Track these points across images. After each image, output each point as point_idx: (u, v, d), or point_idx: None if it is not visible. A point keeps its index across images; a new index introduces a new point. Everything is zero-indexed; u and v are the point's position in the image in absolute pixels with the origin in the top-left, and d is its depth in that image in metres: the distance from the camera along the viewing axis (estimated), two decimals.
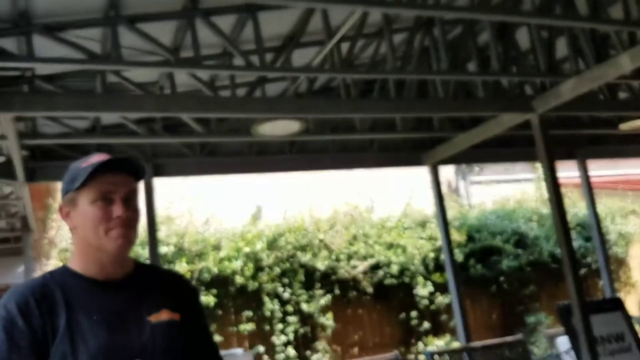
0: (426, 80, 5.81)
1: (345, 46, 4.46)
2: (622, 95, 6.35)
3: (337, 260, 8.14)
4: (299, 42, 4.44)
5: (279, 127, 5.05)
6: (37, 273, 7.75)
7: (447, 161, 6.84)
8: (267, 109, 4.51)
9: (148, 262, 5.53)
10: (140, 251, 6.84)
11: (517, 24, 4.72)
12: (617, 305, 5.82)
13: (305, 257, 7.98)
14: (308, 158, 6.40)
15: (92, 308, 1.40)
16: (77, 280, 1.44)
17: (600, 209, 9.24)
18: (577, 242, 9.05)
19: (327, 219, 8.73)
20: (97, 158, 1.45)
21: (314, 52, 4.76)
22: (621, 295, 9.32)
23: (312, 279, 8.02)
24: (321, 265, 7.99)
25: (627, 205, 10.30)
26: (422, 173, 7.47)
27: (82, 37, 3.62)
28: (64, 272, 1.47)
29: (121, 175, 1.46)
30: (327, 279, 8.09)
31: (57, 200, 7.93)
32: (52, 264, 8.01)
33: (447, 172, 11.88)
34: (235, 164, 6.08)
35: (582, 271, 9.09)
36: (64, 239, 7.97)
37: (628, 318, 5.68)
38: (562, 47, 5.04)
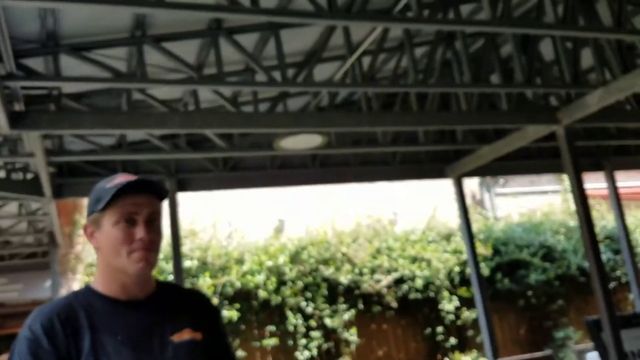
0: (448, 93, 5.79)
1: (366, 60, 4.47)
2: None
3: (361, 274, 8.08)
4: (320, 57, 4.47)
5: (301, 141, 5.06)
6: (64, 288, 7.88)
7: (471, 174, 6.75)
8: (289, 123, 4.53)
9: (172, 277, 5.58)
10: (165, 265, 6.90)
11: (540, 35, 4.67)
12: None
13: (328, 271, 7.94)
14: (330, 171, 6.40)
15: (116, 328, 1.41)
16: (100, 301, 1.46)
17: (629, 220, 9.02)
18: (605, 255, 8.84)
19: (349, 232, 8.69)
20: (121, 179, 1.46)
21: (335, 67, 4.79)
22: None
23: (335, 293, 7.97)
24: (344, 279, 7.94)
25: None
26: (445, 185, 7.40)
27: (108, 56, 3.71)
28: (87, 293, 1.49)
29: (145, 196, 1.46)
30: (351, 293, 8.03)
31: (83, 215, 8.07)
32: (79, 278, 8.13)
33: (471, 184, 11.77)
34: (257, 178, 6.11)
35: (611, 285, 8.87)
36: (90, 254, 8.09)
37: None
38: (587, 58, 4.97)
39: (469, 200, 11.47)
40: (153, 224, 1.47)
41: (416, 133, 6.00)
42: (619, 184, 7.25)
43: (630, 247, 6.93)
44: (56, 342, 1.35)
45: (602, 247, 8.85)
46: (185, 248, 7.49)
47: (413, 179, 7.57)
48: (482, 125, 5.21)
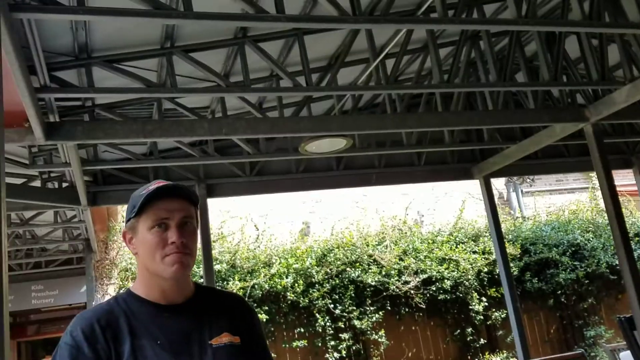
0: (474, 93, 5.77)
1: (390, 62, 4.50)
2: None
3: (388, 275, 8.09)
4: (344, 61, 4.51)
5: (325, 145, 5.11)
6: (99, 293, 8.07)
7: (498, 173, 6.72)
8: (314, 127, 4.58)
9: (203, 280, 5.68)
10: (195, 269, 7.03)
11: (566, 32, 4.63)
12: None
13: (354, 273, 7.97)
14: (355, 174, 6.43)
15: (156, 332, 1.43)
16: (140, 305, 1.48)
17: None
18: (636, 253, 8.65)
19: (375, 234, 8.70)
20: (154, 185, 1.51)
21: (359, 70, 4.83)
22: None
23: (362, 294, 7.99)
24: (371, 280, 7.96)
25: None
26: (472, 185, 7.36)
27: (139, 67, 3.82)
28: (127, 297, 1.52)
29: (177, 201, 1.50)
30: (378, 295, 8.04)
31: (117, 222, 8.26)
32: (114, 284, 8.32)
33: (497, 183, 11.66)
34: (283, 182, 6.18)
35: None
36: (124, 260, 8.27)
37: None
38: (614, 54, 4.91)
39: (496, 200, 11.39)
40: (186, 227, 1.50)
41: (441, 133, 6.00)
42: None
43: None
44: (97, 348, 1.37)
45: (633, 244, 8.68)
46: (214, 252, 7.61)
47: (439, 180, 7.56)
48: (508, 125, 5.18)
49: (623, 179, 8.43)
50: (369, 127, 4.94)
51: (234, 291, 7.43)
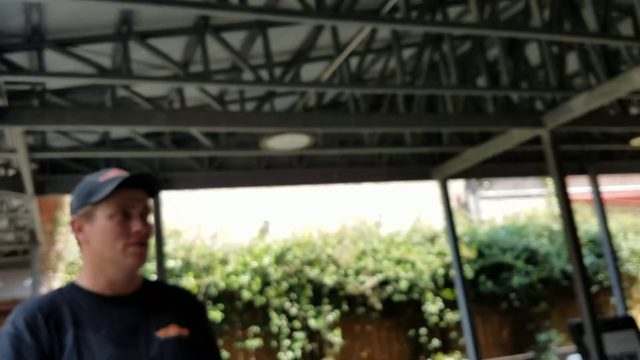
0: (435, 95, 5.81)
1: (354, 61, 4.47)
2: (634, 110, 6.31)
3: (345, 275, 8.08)
4: (308, 57, 4.45)
5: (287, 141, 5.05)
6: (44, 286, 7.76)
7: (456, 176, 6.79)
8: (276, 123, 4.51)
9: (155, 276, 5.52)
10: (148, 265, 6.83)
11: (526, 39, 4.71)
12: (629, 323, 5.71)
13: (312, 272, 7.93)
14: (317, 172, 6.39)
15: (101, 323, 1.40)
16: (85, 297, 1.45)
17: (612, 225, 9.13)
18: (588, 259, 8.94)
19: (335, 233, 8.68)
20: (114, 173, 1.48)
21: (323, 67, 4.77)
22: (633, 313, 9.18)
23: (319, 294, 7.96)
24: (329, 280, 7.93)
25: (639, 221, 10.16)
26: (431, 187, 7.43)
27: (93, 52, 3.65)
28: (72, 289, 1.48)
29: (138, 191, 1.48)
30: (335, 295, 8.02)
31: (65, 213, 7.95)
32: (60, 277, 8.02)
33: (456, 186, 11.85)
34: (243, 177, 6.07)
35: (594, 288, 8.96)
36: (71, 253, 7.98)
37: None
38: (573, 62, 5.02)
39: (454, 203, 11.58)
40: (147, 218, 1.48)
41: (403, 135, 6.02)
42: (603, 188, 7.34)
43: (613, 251, 7.02)
44: (39, 337, 1.34)
45: (585, 251, 8.96)
46: (168, 248, 7.42)
47: (399, 180, 7.57)
48: (468, 128, 5.24)
49: (580, 185, 8.65)
50: (332, 125, 4.90)
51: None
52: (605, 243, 6.95)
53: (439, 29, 3.52)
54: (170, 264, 7.35)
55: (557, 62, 4.79)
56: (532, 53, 5.17)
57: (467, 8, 4.02)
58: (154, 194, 1.54)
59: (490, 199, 11.54)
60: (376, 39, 4.58)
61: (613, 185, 11.99)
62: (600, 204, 7.00)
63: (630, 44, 4.18)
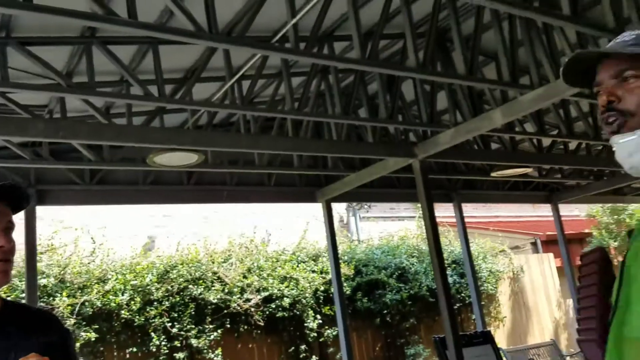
0: (322, 122, 6.14)
1: (246, 84, 4.63)
2: (494, 145, 7.12)
3: (230, 293, 8.09)
4: (200, 76, 4.54)
5: (176, 158, 5.05)
6: None
7: (338, 199, 7.16)
8: (165, 139, 4.50)
9: (25, 296, 5.19)
10: (18, 283, 6.36)
11: (403, 76, 5.18)
12: (487, 338, 6.25)
13: (197, 290, 7.84)
14: (205, 190, 6.41)
15: None
16: None
17: (474, 248, 10.07)
18: (452, 278, 9.73)
19: (222, 251, 8.68)
20: None
21: (215, 87, 4.88)
22: (491, 328, 10.14)
23: (203, 312, 7.88)
24: (213, 298, 7.89)
25: (497, 245, 11.25)
26: (317, 208, 7.73)
27: None
28: None
29: (1, 204, 1.39)
30: (219, 313, 7.99)
31: None
32: None
33: (340, 208, 12.38)
34: (128, 193, 5.93)
35: (457, 305, 9.78)
36: None
37: (497, 350, 6.17)
38: (443, 100, 5.59)
39: (336, 223, 12.08)
40: (9, 233, 1.40)
41: (291, 157, 6.26)
42: (466, 214, 8.12)
43: (474, 272, 7.75)
44: None
45: (449, 270, 9.77)
46: (41, 265, 6.96)
47: (286, 201, 7.82)
48: (349, 155, 5.60)
49: (446, 210, 9.46)
50: (223, 145, 5.00)
51: (61, 308, 6.86)
52: (467, 264, 7.66)
53: (325, 62, 3.80)
54: (43, 282, 6.89)
55: (429, 99, 5.33)
56: (408, 89, 5.69)
57: (352, 44, 4.36)
58: (21, 208, 1.45)
59: (369, 220, 12.25)
60: (268, 65, 4.80)
61: (476, 212, 13.28)
62: (463, 228, 7.72)
63: (493, 87, 4.73)
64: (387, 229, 11.11)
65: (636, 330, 1.02)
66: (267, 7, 3.72)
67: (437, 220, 5.59)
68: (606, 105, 1.08)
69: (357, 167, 6.60)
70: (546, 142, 6.92)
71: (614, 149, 1.10)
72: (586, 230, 12.88)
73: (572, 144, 7.20)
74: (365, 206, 12.21)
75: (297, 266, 8.73)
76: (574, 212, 13.99)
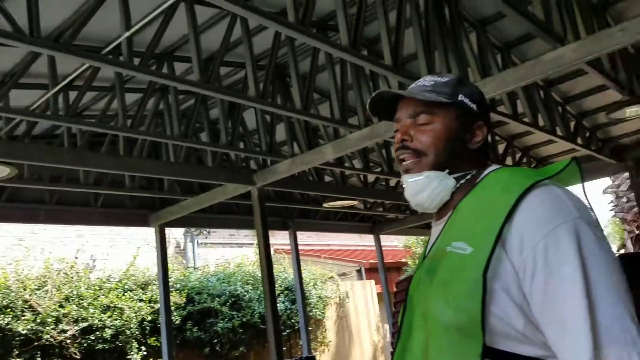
0: (160, 142, 5.93)
1: (73, 94, 4.31)
2: (327, 178, 7.51)
3: (43, 323, 7.27)
4: (18, 82, 4.12)
5: None
6: None
7: (174, 223, 6.92)
8: None
9: None
10: None
11: (245, 105, 5.25)
12: None
13: (3, 320, 6.92)
14: (20, 208, 5.77)
15: None
16: None
17: (305, 274, 10.39)
18: (284, 305, 9.91)
19: (36, 277, 7.81)
20: None
21: (37, 95, 4.46)
22: (316, 353, 10.47)
23: (10, 345, 6.96)
24: (22, 329, 7.03)
25: (327, 272, 11.71)
26: (150, 232, 7.37)
27: None
28: None
29: None
30: (28, 345, 7.12)
31: None
32: None
33: (177, 233, 11.96)
34: None
35: (287, 331, 9.95)
36: None
37: None
38: (283, 131, 5.77)
39: (172, 249, 11.64)
40: None
41: (123, 177, 5.93)
42: (301, 242, 8.39)
43: (303, 298, 7.98)
44: None
45: (282, 297, 9.94)
46: None
47: (116, 224, 7.36)
48: (187, 178, 5.47)
49: (284, 238, 9.65)
50: (42, 159, 4.54)
51: None
52: (298, 290, 7.87)
53: (162, 80, 3.70)
54: None
55: (269, 129, 5.47)
56: (251, 118, 5.79)
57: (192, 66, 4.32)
58: None
59: (207, 246, 12.00)
60: (104, 78, 4.54)
61: (310, 240, 13.80)
62: (297, 255, 7.94)
63: (326, 124, 5.00)
64: (225, 256, 10.97)
65: (415, 357, 1.09)
66: (103, 17, 3.54)
67: (275, 247, 5.70)
68: (400, 143, 1.18)
69: (195, 191, 6.47)
70: (371, 178, 7.50)
71: (404, 186, 1.20)
72: (403, 260, 14.18)
73: (393, 181, 7.87)
74: (205, 232, 11.95)
75: (123, 295, 8.18)
76: (393, 242, 15.29)
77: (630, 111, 4.87)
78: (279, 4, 4.01)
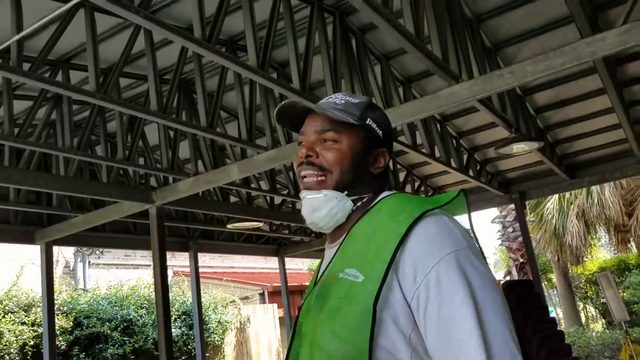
0: (50, 154, 5.54)
1: None
2: (233, 199, 7.38)
3: None
4: None
5: None
6: None
7: (63, 241, 6.46)
8: None
9: None
10: None
11: (147, 120, 5.04)
12: None
13: None
14: None
15: None
16: None
17: (206, 298, 10.06)
18: (180, 330, 9.49)
19: None
20: None
21: None
22: None
23: None
24: None
25: (228, 295, 11.41)
26: (36, 250, 6.80)
27: None
28: None
29: None
30: None
31: None
32: None
33: (67, 252, 11.16)
34: None
35: (183, 358, 9.53)
36: None
37: None
38: (187, 149, 5.60)
39: (61, 269, 10.84)
40: None
41: (7, 190, 5.46)
42: (204, 264, 8.14)
43: (201, 323, 7.70)
44: None
45: (179, 322, 9.54)
46: None
47: None
48: (77, 194, 5.11)
49: (185, 260, 9.32)
50: None
51: None
52: (196, 315, 7.59)
53: (54, 88, 3.45)
54: None
55: (172, 146, 5.28)
56: (153, 133, 5.57)
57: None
58: None
59: (99, 267, 11.26)
60: None
61: (212, 262, 13.45)
62: (196, 278, 7.68)
63: (233, 144, 4.91)
64: (120, 277, 10.34)
65: None
66: None
67: (176, 269, 5.46)
68: (304, 158, 1.15)
69: (88, 208, 6.09)
70: (277, 199, 7.48)
71: (302, 202, 1.16)
72: (307, 283, 14.12)
73: (299, 204, 7.91)
74: (97, 251, 11.23)
75: (4, 317, 7.46)
76: (298, 265, 15.30)
77: (516, 147, 5.27)
78: (187, 19, 3.93)
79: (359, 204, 1.15)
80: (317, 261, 13.98)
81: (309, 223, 1.18)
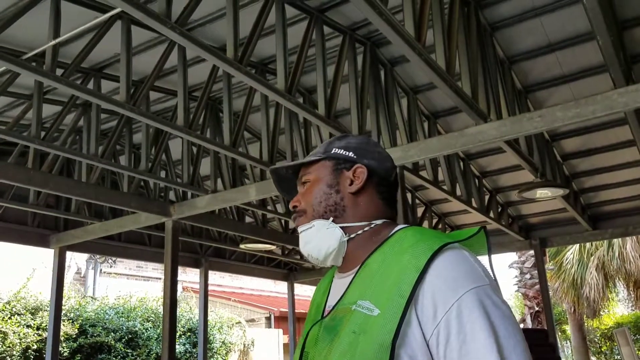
0: (74, 160, 5.61)
1: None
2: (248, 219, 7.37)
3: None
4: None
5: None
6: None
7: (77, 247, 6.49)
8: None
9: None
10: None
11: (173, 134, 5.10)
12: None
13: None
14: None
15: None
16: None
17: (212, 317, 9.96)
18: (184, 347, 9.37)
19: None
20: None
21: None
22: None
23: None
24: None
25: (235, 316, 11.28)
26: (49, 254, 6.84)
27: None
28: None
29: None
30: None
31: None
32: None
33: (80, 258, 11.22)
34: None
35: None
36: None
37: None
38: (208, 166, 5.63)
39: (72, 275, 10.88)
40: None
41: (28, 191, 5.53)
42: (214, 282, 8.09)
43: (205, 342, 7.61)
44: None
45: (183, 339, 9.43)
46: None
47: (11, 241, 6.75)
48: (96, 201, 5.14)
49: (196, 276, 9.28)
50: None
51: None
52: (201, 334, 7.51)
53: (84, 95, 3.50)
54: None
55: (194, 162, 5.32)
56: (177, 148, 5.62)
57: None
58: None
59: (110, 276, 11.27)
60: (22, 84, 4.28)
61: (222, 280, 13.37)
62: (205, 295, 7.62)
63: (254, 164, 4.93)
64: (130, 288, 10.33)
65: None
66: (33, 23, 3.35)
67: (185, 284, 5.42)
68: (292, 209, 1.21)
69: (105, 216, 6.12)
70: (292, 224, 7.40)
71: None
72: None
73: None
74: (110, 260, 11.26)
75: (10, 318, 7.47)
76: (307, 292, 15.11)
77: (540, 193, 5.17)
78: (220, 40, 3.98)
79: (359, 232, 1.13)
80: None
81: (306, 256, 1.19)
